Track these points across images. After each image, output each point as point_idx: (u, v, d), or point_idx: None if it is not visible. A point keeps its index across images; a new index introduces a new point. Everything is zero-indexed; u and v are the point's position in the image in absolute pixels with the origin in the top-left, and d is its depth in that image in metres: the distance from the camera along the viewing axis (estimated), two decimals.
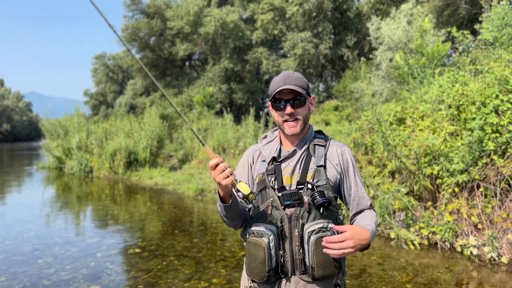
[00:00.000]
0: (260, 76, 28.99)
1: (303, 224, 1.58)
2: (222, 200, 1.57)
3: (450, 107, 5.68)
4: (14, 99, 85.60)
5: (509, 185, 4.91)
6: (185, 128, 17.62)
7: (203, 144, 1.54)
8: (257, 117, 16.49)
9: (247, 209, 1.71)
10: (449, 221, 5.05)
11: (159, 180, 12.25)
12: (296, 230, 1.58)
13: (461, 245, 4.96)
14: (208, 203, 9.07)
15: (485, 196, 5.04)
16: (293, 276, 1.61)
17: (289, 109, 1.62)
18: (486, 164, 4.99)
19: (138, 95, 37.75)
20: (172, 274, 4.57)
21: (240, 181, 1.50)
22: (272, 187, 1.63)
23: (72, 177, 14.71)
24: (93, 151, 15.80)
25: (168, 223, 7.27)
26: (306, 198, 1.58)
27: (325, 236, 1.52)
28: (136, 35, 30.81)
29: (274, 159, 1.70)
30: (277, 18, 26.10)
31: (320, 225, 1.56)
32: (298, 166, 1.67)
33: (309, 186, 1.59)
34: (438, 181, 5.38)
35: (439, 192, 5.46)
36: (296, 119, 1.64)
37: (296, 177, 1.65)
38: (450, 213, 5.18)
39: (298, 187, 1.61)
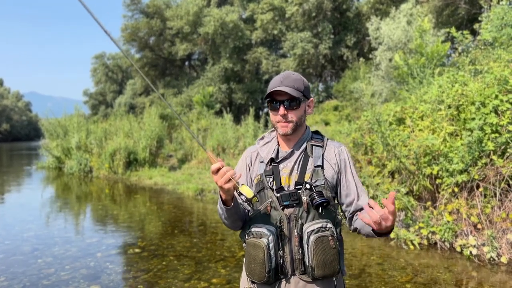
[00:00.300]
0: (259, 76, 28.96)
1: (302, 224, 1.59)
2: (224, 202, 1.57)
3: (449, 107, 5.69)
4: (13, 99, 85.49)
5: (508, 185, 4.91)
6: (184, 128, 17.61)
7: (204, 149, 1.53)
8: (257, 117, 16.48)
9: (246, 210, 1.72)
10: (448, 221, 5.06)
11: (158, 180, 12.25)
12: (295, 230, 1.59)
13: (460, 245, 4.97)
14: (208, 203, 9.07)
15: (485, 196, 5.04)
16: (292, 276, 1.61)
17: (282, 111, 1.63)
18: (486, 164, 4.99)
19: (138, 95, 37.73)
20: (171, 274, 4.57)
21: (242, 184, 1.50)
22: (270, 188, 1.64)
23: (72, 177, 14.71)
24: (92, 151, 15.79)
25: (168, 223, 7.27)
26: (304, 198, 1.58)
27: (324, 235, 1.53)
28: (136, 35, 30.77)
29: (272, 160, 1.70)
30: (276, 18, 26.07)
31: (319, 225, 1.57)
32: (296, 166, 1.67)
33: (308, 186, 1.59)
34: (438, 181, 5.38)
35: (439, 192, 5.46)
36: (289, 121, 1.64)
37: (294, 177, 1.65)
38: (450, 213, 5.19)
39: (296, 187, 1.62)
